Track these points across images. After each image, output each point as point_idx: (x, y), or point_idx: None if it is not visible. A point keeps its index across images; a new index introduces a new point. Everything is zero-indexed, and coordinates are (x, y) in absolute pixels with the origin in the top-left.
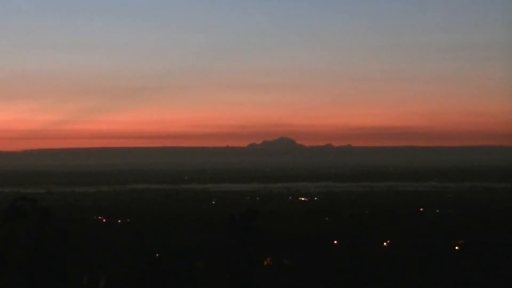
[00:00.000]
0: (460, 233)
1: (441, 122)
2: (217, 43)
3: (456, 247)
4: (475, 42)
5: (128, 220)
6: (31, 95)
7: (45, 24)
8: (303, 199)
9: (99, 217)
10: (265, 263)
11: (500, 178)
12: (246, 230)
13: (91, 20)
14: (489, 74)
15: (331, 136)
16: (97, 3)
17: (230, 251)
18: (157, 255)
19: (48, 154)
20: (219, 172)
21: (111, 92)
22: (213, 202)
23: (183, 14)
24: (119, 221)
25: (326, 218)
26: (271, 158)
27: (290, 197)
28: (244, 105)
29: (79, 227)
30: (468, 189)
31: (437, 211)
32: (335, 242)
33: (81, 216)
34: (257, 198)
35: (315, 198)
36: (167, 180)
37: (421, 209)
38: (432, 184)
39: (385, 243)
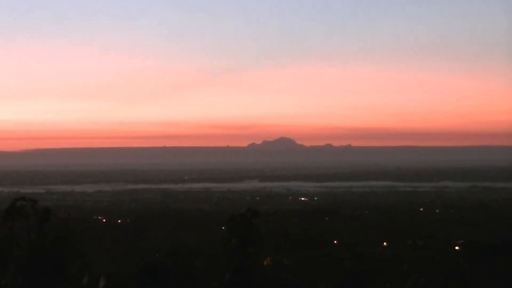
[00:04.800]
0: (460, 233)
1: (441, 122)
2: (216, 43)
3: (456, 247)
4: (475, 42)
5: (128, 220)
6: (31, 95)
7: (44, 24)
8: (303, 199)
9: (99, 217)
10: (265, 263)
11: (500, 178)
12: (246, 230)
13: (90, 23)
14: (489, 74)
15: (331, 136)
16: (94, 4)
17: (230, 251)
18: (157, 255)
19: (48, 154)
20: (219, 172)
21: (111, 93)
22: (213, 202)
23: (180, 15)
24: (119, 221)
25: (326, 218)
26: (271, 158)
27: (290, 197)
28: (244, 105)
29: (79, 227)
30: (468, 189)
31: (437, 211)
32: (335, 242)
33: (81, 216)
34: (257, 198)
35: (315, 198)
36: (167, 180)
37: (421, 209)
38: (432, 184)
39: (385, 243)
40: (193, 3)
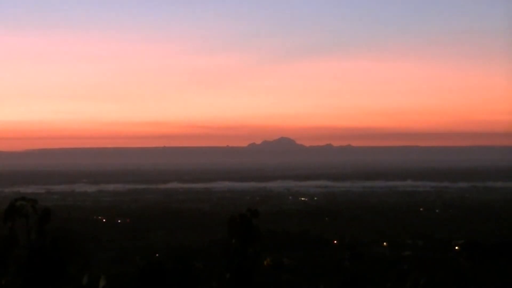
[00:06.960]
0: (460, 233)
1: (441, 122)
2: (216, 43)
3: (456, 247)
4: (475, 42)
5: (128, 220)
6: (31, 95)
7: (44, 24)
8: (303, 199)
9: (99, 217)
10: (265, 263)
11: (500, 178)
12: (246, 230)
13: (90, 23)
14: (489, 74)
15: (331, 136)
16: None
17: (230, 251)
18: (157, 255)
19: (48, 154)
20: (219, 172)
21: (111, 93)
22: (213, 202)
23: (180, 15)
24: (119, 221)
25: (326, 218)
26: (271, 158)
27: (290, 197)
28: (244, 105)
29: (79, 227)
30: (468, 189)
31: (437, 211)
32: (335, 242)
33: (81, 216)
34: (257, 198)
35: (315, 198)
36: (167, 180)
37: (421, 209)
38: (432, 184)
39: (385, 243)
40: (192, 3)
